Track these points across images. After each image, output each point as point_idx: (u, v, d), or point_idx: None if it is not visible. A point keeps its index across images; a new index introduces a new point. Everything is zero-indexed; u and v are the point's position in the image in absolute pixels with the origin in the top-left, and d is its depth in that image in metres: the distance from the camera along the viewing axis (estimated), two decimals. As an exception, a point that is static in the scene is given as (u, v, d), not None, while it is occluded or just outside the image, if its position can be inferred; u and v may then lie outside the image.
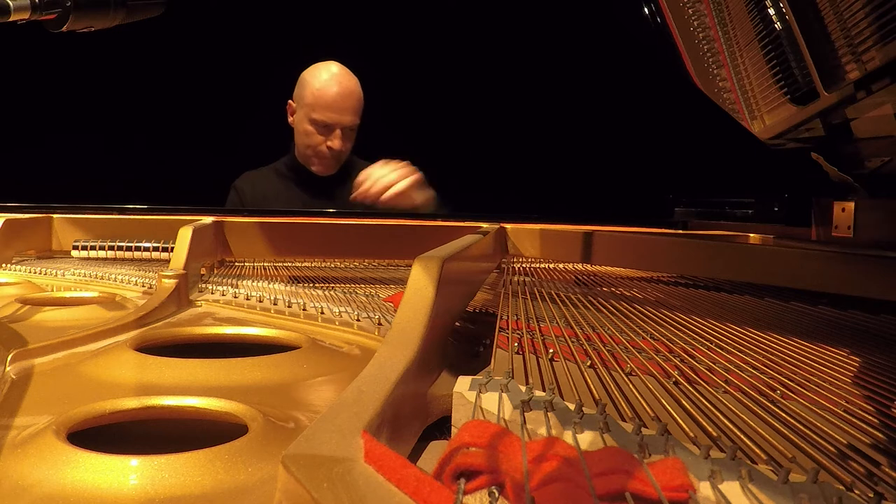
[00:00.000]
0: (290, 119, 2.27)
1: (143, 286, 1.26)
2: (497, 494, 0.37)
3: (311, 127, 2.19)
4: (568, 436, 0.43)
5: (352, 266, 1.66)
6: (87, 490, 0.46)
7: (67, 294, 1.21)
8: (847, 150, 1.29)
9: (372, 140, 2.37)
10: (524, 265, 1.59)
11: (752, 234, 1.66)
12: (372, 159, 2.35)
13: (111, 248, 1.55)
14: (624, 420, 0.50)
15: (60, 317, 1.02)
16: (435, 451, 0.57)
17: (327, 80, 2.19)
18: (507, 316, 0.86)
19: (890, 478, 0.42)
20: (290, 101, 2.26)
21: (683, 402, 0.56)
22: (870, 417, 0.53)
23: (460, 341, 0.88)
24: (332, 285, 1.35)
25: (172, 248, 1.29)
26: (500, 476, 0.37)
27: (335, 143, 2.18)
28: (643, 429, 0.44)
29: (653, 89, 2.22)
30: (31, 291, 1.23)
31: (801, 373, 0.66)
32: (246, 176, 2.34)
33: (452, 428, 0.53)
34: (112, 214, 1.71)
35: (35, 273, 1.38)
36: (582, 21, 2.68)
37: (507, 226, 1.65)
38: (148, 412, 0.61)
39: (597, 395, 0.57)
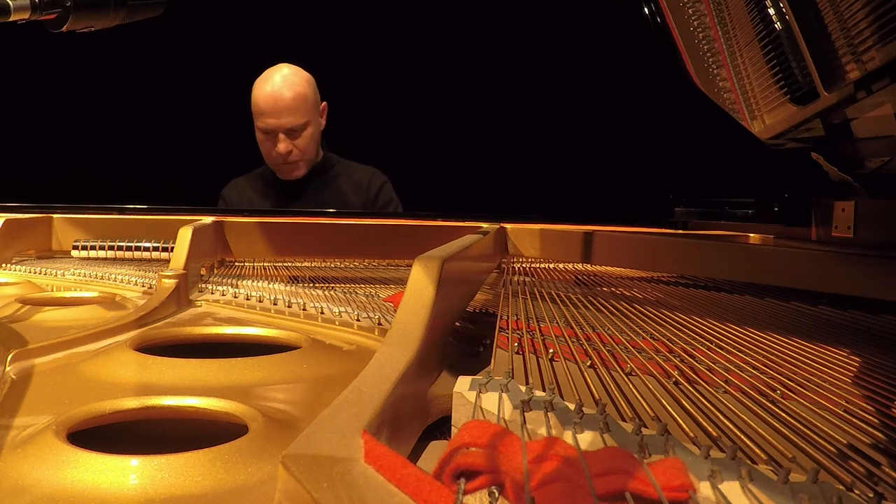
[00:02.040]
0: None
1: (143, 286, 1.26)
2: (497, 494, 0.37)
3: (260, 135, 2.18)
4: (568, 436, 0.43)
5: (352, 266, 1.66)
6: (87, 490, 0.46)
7: (67, 294, 1.21)
8: (847, 150, 1.29)
9: (373, 141, 2.38)
10: (524, 265, 1.59)
11: (752, 234, 1.65)
12: (373, 160, 2.36)
13: (111, 248, 1.55)
14: (624, 420, 0.50)
15: (60, 317, 1.02)
16: (435, 451, 0.57)
17: (264, 84, 2.16)
18: (507, 316, 0.86)
19: (890, 478, 0.42)
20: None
21: (683, 402, 0.56)
22: (870, 417, 0.53)
23: (460, 341, 0.88)
24: (332, 285, 1.35)
25: (172, 248, 1.29)
26: (500, 476, 0.37)
27: (280, 147, 2.14)
28: (643, 429, 0.44)
29: (653, 89, 2.22)
30: (31, 291, 1.23)
31: (801, 373, 0.66)
32: (233, 183, 2.34)
33: (452, 428, 0.53)
34: (112, 214, 1.71)
35: (35, 273, 1.38)
36: (582, 21, 2.68)
37: (507, 226, 1.65)
38: (148, 412, 0.61)
39: (597, 395, 0.57)
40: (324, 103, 2.24)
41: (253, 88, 2.19)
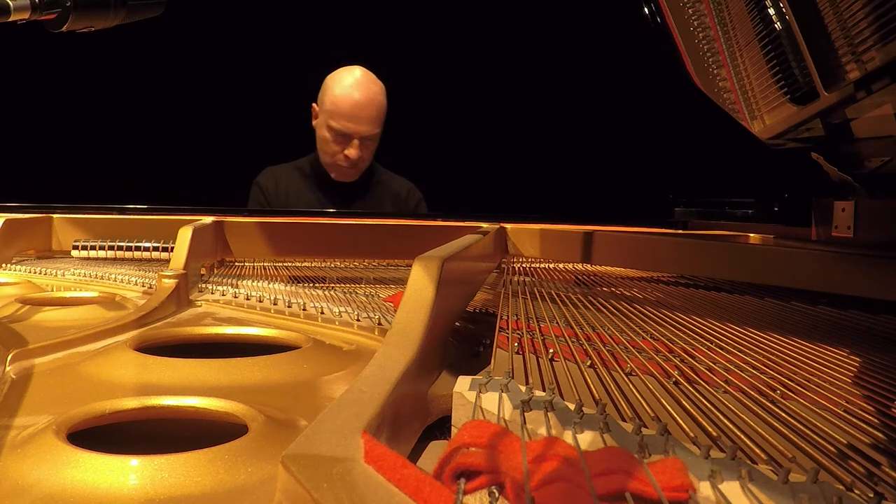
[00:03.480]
0: (313, 122, 2.25)
1: (143, 286, 1.26)
2: (497, 494, 0.37)
3: (329, 134, 2.17)
4: (568, 436, 0.43)
5: (352, 266, 1.66)
6: (87, 490, 0.46)
7: (67, 294, 1.21)
8: (847, 150, 1.29)
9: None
10: (524, 265, 1.59)
11: (752, 234, 1.66)
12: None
13: (111, 248, 1.55)
14: (624, 420, 0.50)
15: (60, 317, 1.02)
16: (435, 451, 0.57)
17: (347, 87, 2.15)
18: (507, 316, 0.86)
19: (890, 478, 0.42)
20: (314, 105, 2.25)
21: (683, 402, 0.56)
22: (870, 417, 0.53)
23: (460, 341, 0.88)
24: (332, 285, 1.35)
25: (172, 248, 1.29)
26: (500, 476, 0.37)
27: (352, 152, 2.16)
28: (643, 429, 0.44)
29: (652, 89, 2.22)
30: (31, 291, 1.23)
31: (801, 373, 0.66)
32: (268, 172, 2.33)
33: (452, 428, 0.53)
34: (112, 214, 1.71)
35: (35, 273, 1.38)
36: (582, 21, 2.68)
37: (507, 226, 1.65)
38: (148, 412, 0.61)
39: (597, 395, 0.57)
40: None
41: (330, 86, 2.18)
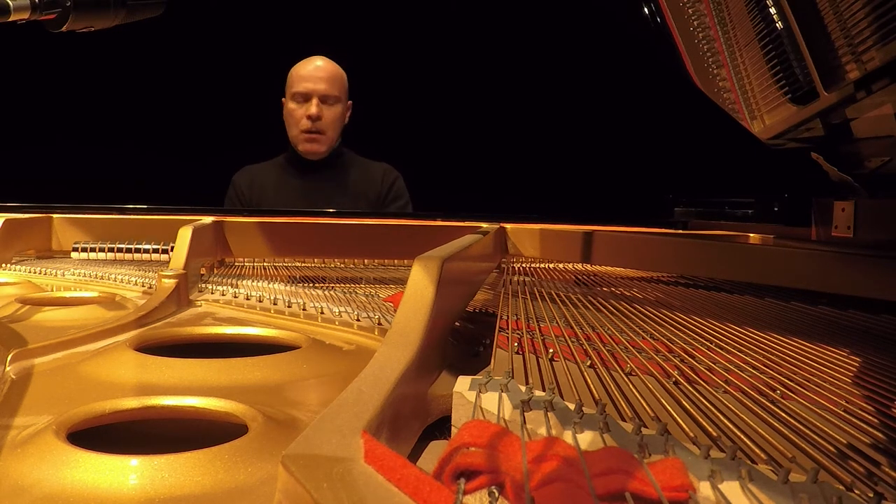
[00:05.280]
0: (284, 115, 2.34)
1: (143, 286, 1.26)
2: (497, 494, 0.37)
3: (293, 104, 2.29)
4: (568, 436, 0.43)
5: (352, 266, 1.66)
6: (87, 490, 0.46)
7: (67, 294, 1.21)
8: (847, 150, 1.29)
9: (373, 139, 2.38)
10: (524, 265, 1.59)
11: (752, 234, 1.66)
12: (374, 158, 2.37)
13: (111, 250, 1.55)
14: (624, 420, 0.50)
15: (60, 317, 1.02)
16: (435, 451, 0.57)
17: (301, 62, 2.32)
18: (507, 316, 0.86)
19: (890, 478, 0.42)
20: (283, 100, 2.34)
21: (683, 402, 0.56)
22: (870, 417, 0.53)
23: (460, 341, 0.88)
24: (332, 285, 1.35)
25: (172, 250, 1.28)
26: (500, 476, 0.37)
27: (312, 109, 2.26)
28: (643, 429, 0.44)
29: (652, 89, 2.22)
30: (31, 291, 1.23)
31: (801, 373, 0.66)
32: (244, 170, 2.41)
33: (452, 428, 0.53)
34: (112, 214, 1.71)
35: (35, 273, 1.38)
36: (582, 21, 2.68)
37: (507, 226, 1.65)
38: (148, 412, 0.61)
39: (597, 395, 0.57)
40: (350, 101, 2.36)
41: (291, 69, 2.34)
